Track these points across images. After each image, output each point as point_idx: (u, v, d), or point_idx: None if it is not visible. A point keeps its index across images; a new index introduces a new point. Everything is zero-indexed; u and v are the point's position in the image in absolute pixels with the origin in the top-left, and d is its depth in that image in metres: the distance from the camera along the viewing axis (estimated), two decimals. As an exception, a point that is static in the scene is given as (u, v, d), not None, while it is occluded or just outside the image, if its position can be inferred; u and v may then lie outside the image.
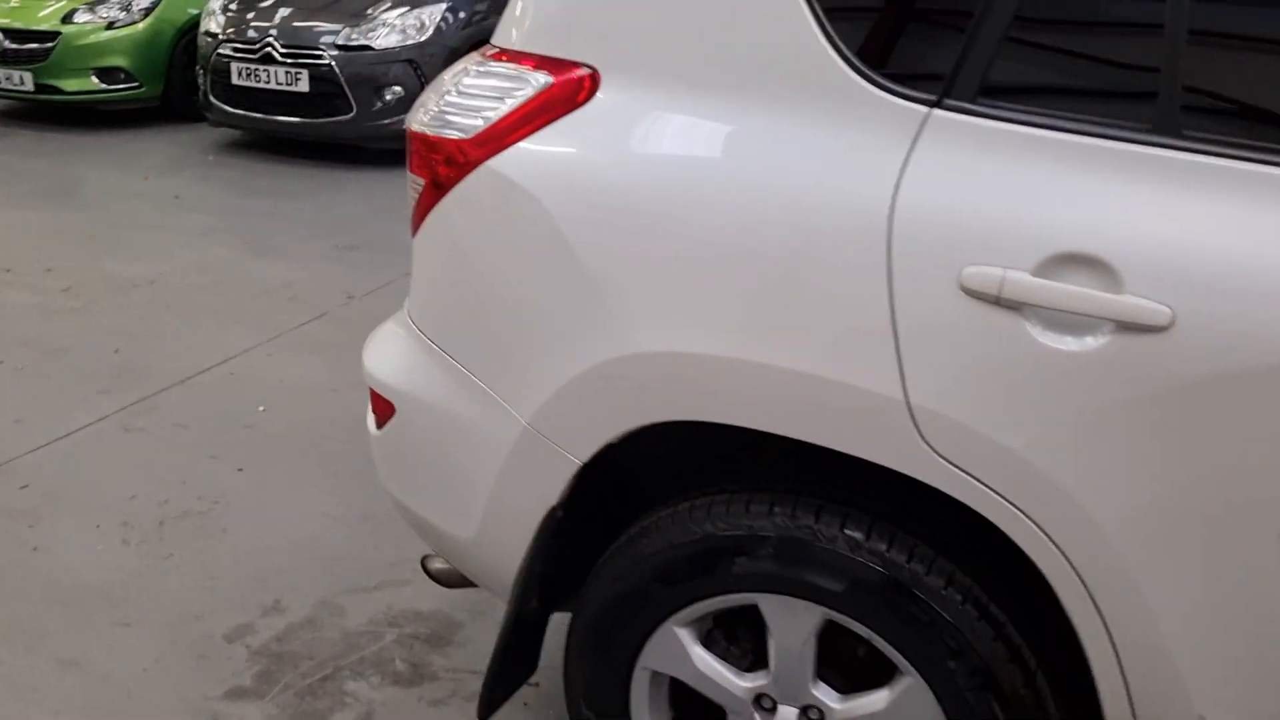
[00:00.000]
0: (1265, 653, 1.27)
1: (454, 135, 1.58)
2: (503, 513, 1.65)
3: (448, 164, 1.59)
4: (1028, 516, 1.32)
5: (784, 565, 1.47)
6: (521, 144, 1.52)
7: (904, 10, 1.44)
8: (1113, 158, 1.26)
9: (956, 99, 1.31)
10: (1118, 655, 1.34)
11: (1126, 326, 1.22)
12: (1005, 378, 1.29)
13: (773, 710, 1.58)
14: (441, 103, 1.61)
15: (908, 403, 1.32)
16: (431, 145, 1.60)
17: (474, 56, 1.66)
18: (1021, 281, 1.26)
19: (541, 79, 1.53)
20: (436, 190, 1.61)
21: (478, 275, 1.62)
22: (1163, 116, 1.25)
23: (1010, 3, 1.30)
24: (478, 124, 1.56)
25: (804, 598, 1.48)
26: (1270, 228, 1.18)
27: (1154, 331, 1.21)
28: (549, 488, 1.59)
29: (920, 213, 1.30)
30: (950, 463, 1.33)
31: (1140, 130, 1.26)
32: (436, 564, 2.00)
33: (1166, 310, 1.20)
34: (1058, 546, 1.32)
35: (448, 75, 1.67)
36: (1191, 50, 1.24)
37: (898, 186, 1.31)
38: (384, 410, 1.78)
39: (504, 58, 1.59)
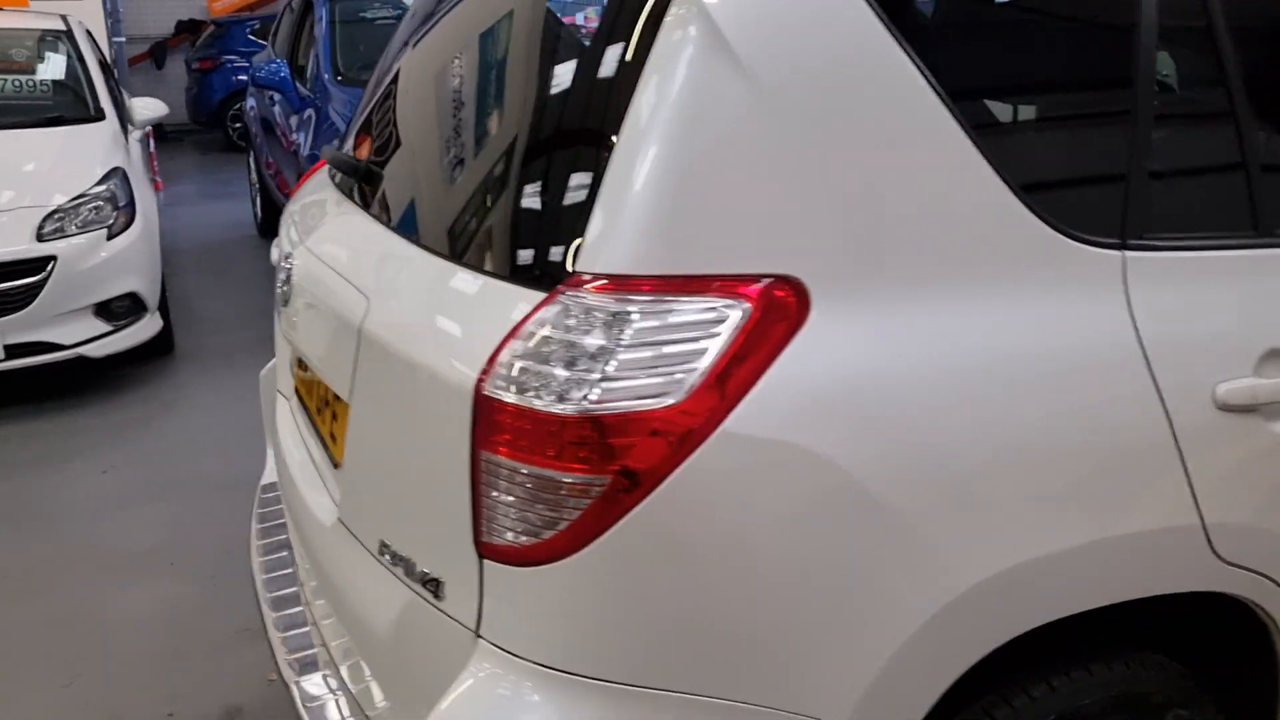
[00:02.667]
0: None
1: (648, 406, 1.20)
2: None
3: (651, 445, 1.21)
4: None
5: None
6: (753, 393, 1.22)
7: (1060, 158, 1.53)
8: (1266, 261, 1.51)
9: (1135, 238, 1.46)
10: None
11: None
12: (1265, 474, 1.50)
13: None
14: (597, 369, 1.22)
15: (1203, 524, 1.47)
16: (605, 428, 1.21)
17: (571, 304, 1.25)
18: (1260, 385, 1.47)
19: (742, 305, 1.24)
20: (631, 490, 1.22)
21: (722, 576, 1.26)
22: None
23: (1149, 147, 1.48)
24: (684, 382, 1.22)
25: None
26: None
27: None
28: None
29: (1166, 346, 1.43)
30: (1239, 566, 1.50)
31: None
32: None
33: None
34: None
35: (573, 335, 1.24)
36: None
37: (1136, 328, 1.42)
38: None
39: (657, 287, 1.24)
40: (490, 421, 1.28)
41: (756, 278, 1.27)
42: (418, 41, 1.96)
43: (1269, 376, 1.49)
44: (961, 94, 1.38)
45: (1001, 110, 1.51)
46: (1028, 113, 1.55)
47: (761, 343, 1.24)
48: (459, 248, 1.52)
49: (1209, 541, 1.48)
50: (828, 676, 1.31)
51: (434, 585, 1.42)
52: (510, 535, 1.30)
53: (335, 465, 1.75)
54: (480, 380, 1.29)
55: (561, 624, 1.29)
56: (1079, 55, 1.56)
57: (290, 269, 1.92)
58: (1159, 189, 1.52)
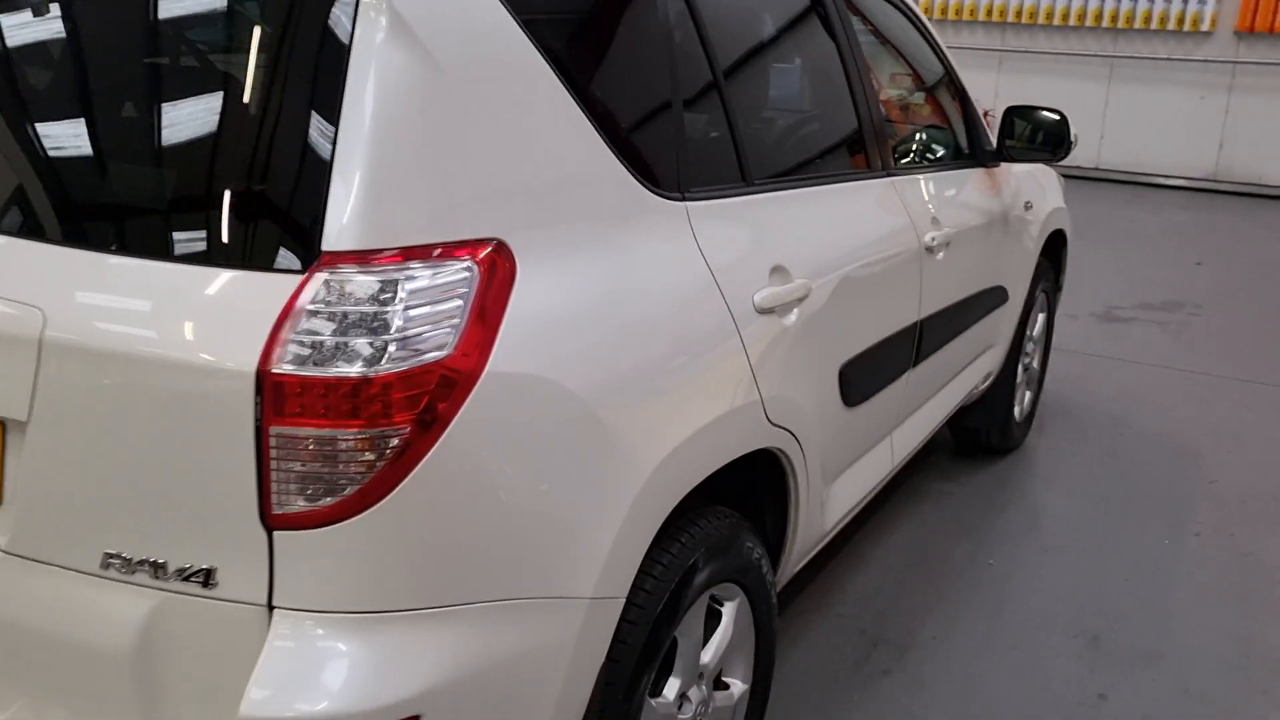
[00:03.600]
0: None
1: (432, 358, 1.40)
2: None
3: (442, 394, 1.40)
4: (798, 441, 2.17)
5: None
6: (500, 337, 1.47)
7: (647, 135, 1.96)
8: (755, 204, 2.16)
9: (688, 192, 1.96)
10: (799, 509, 2.26)
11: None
12: (787, 355, 2.11)
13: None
14: (387, 332, 1.39)
15: (761, 398, 2.02)
16: (404, 382, 1.38)
17: (331, 280, 1.39)
18: (773, 292, 2.06)
19: (469, 265, 1.47)
20: (427, 431, 1.40)
21: (501, 494, 1.50)
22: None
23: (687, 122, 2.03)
24: (450, 336, 1.42)
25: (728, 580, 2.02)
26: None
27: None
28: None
29: (723, 270, 1.95)
30: (779, 426, 2.08)
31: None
32: None
33: (805, 282, 2.16)
34: (802, 450, 2.20)
35: (336, 304, 1.38)
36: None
37: (705, 258, 1.93)
38: None
39: (398, 258, 1.42)
40: (279, 397, 1.36)
41: (477, 243, 1.50)
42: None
43: (777, 285, 2.10)
44: (582, 85, 1.75)
45: (613, 100, 1.89)
46: (625, 102, 1.95)
47: (495, 296, 1.49)
48: (175, 247, 1.50)
49: (765, 410, 2.05)
50: (578, 561, 1.62)
51: (202, 575, 1.43)
52: (303, 502, 1.39)
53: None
54: (263, 362, 1.36)
55: (363, 570, 1.42)
56: (644, 59, 2.00)
57: None
58: (692, 156, 2.03)
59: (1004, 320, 3.76)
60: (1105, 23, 11.25)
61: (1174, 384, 5.21)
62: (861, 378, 2.52)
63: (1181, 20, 10.95)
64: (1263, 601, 3.21)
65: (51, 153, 1.65)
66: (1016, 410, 4.15)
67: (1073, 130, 3.48)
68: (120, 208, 1.60)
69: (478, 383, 1.45)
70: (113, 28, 1.67)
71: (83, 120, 1.63)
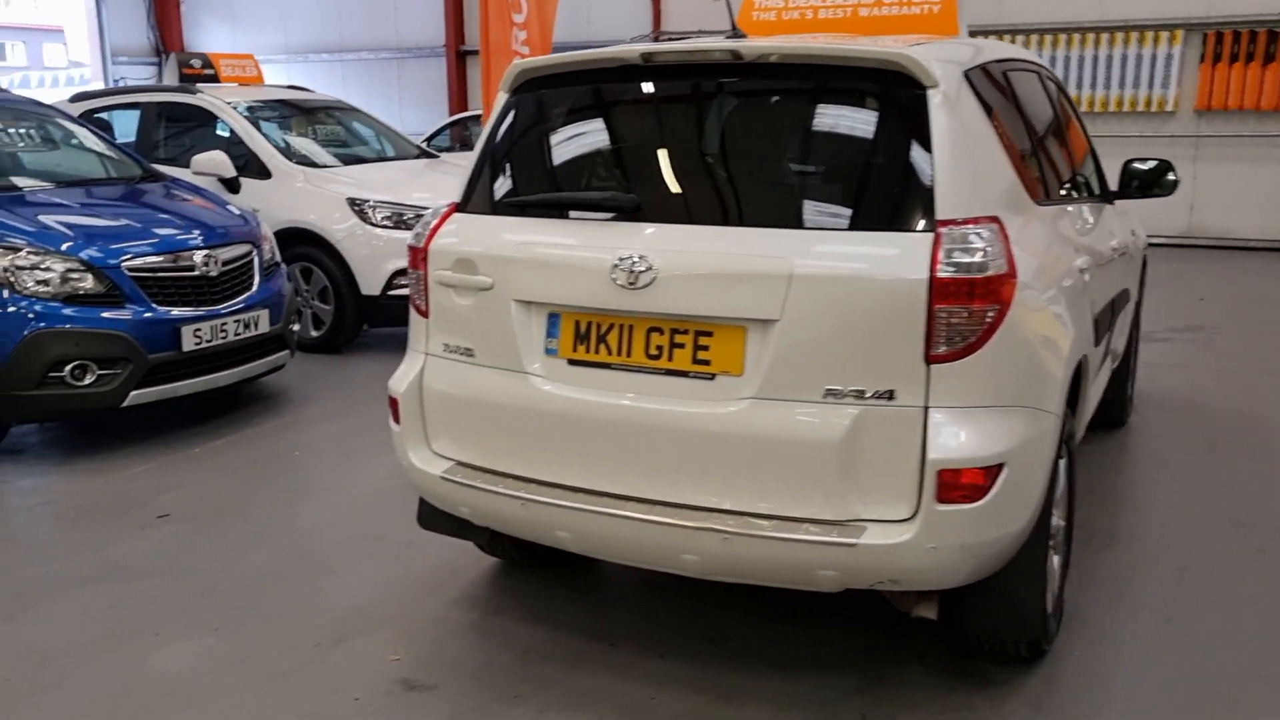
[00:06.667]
0: None
1: (996, 270, 2.66)
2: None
3: (1006, 289, 2.68)
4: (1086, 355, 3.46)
5: None
6: (1015, 260, 2.76)
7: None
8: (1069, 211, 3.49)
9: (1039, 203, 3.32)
10: (1084, 402, 3.58)
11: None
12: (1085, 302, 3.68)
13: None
14: (982, 256, 2.65)
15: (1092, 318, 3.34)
16: (991, 281, 2.65)
17: (945, 234, 2.70)
18: (1081, 261, 3.43)
19: (996, 226, 2.75)
20: (1002, 309, 2.67)
21: (1031, 346, 2.84)
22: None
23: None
24: (1003, 260, 2.69)
25: None
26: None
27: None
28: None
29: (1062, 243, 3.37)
30: None
31: None
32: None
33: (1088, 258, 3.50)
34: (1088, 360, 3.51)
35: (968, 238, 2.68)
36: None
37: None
38: (987, 477, 2.67)
39: (971, 221, 2.70)
40: (940, 290, 2.67)
41: (992, 217, 2.81)
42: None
43: (1080, 258, 3.45)
44: (1007, 144, 3.13)
45: (1020, 152, 3.27)
46: (1023, 154, 3.32)
47: (1006, 242, 2.82)
48: (866, 224, 2.83)
49: (1092, 326, 3.38)
50: (1054, 391, 2.95)
51: (887, 394, 2.71)
52: (945, 347, 2.69)
53: (711, 377, 2.83)
54: (931, 272, 2.67)
55: (974, 383, 2.72)
56: (1023, 129, 3.38)
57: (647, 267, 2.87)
58: (1041, 184, 3.39)
59: (1128, 315, 5.14)
60: (1084, 108, 13.04)
61: (1220, 377, 6.65)
62: (1098, 329, 3.85)
63: (1149, 103, 12.81)
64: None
65: (810, 179, 3.03)
66: (1130, 388, 5.52)
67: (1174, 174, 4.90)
68: (831, 211, 2.93)
69: (1016, 284, 2.75)
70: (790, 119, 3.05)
71: (811, 166, 2.99)
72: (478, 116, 15.21)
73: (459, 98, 17.84)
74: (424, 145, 10.07)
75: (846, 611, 3.51)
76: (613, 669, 3.30)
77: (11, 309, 5.08)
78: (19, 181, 6.02)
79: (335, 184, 7.58)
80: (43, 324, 5.09)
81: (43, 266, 5.18)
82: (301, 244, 7.33)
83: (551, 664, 3.34)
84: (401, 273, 7.24)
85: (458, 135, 15.36)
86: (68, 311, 5.16)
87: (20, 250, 5.18)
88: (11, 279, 5.11)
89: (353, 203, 7.33)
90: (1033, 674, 3.22)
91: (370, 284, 7.28)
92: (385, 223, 7.30)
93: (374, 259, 7.26)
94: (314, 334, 7.49)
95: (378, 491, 4.86)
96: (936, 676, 3.23)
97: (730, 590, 3.15)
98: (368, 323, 7.56)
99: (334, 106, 9.14)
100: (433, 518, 3.53)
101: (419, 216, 7.26)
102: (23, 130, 6.63)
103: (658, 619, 3.61)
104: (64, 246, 5.27)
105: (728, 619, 3.58)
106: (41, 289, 5.14)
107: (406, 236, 7.21)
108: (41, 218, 5.49)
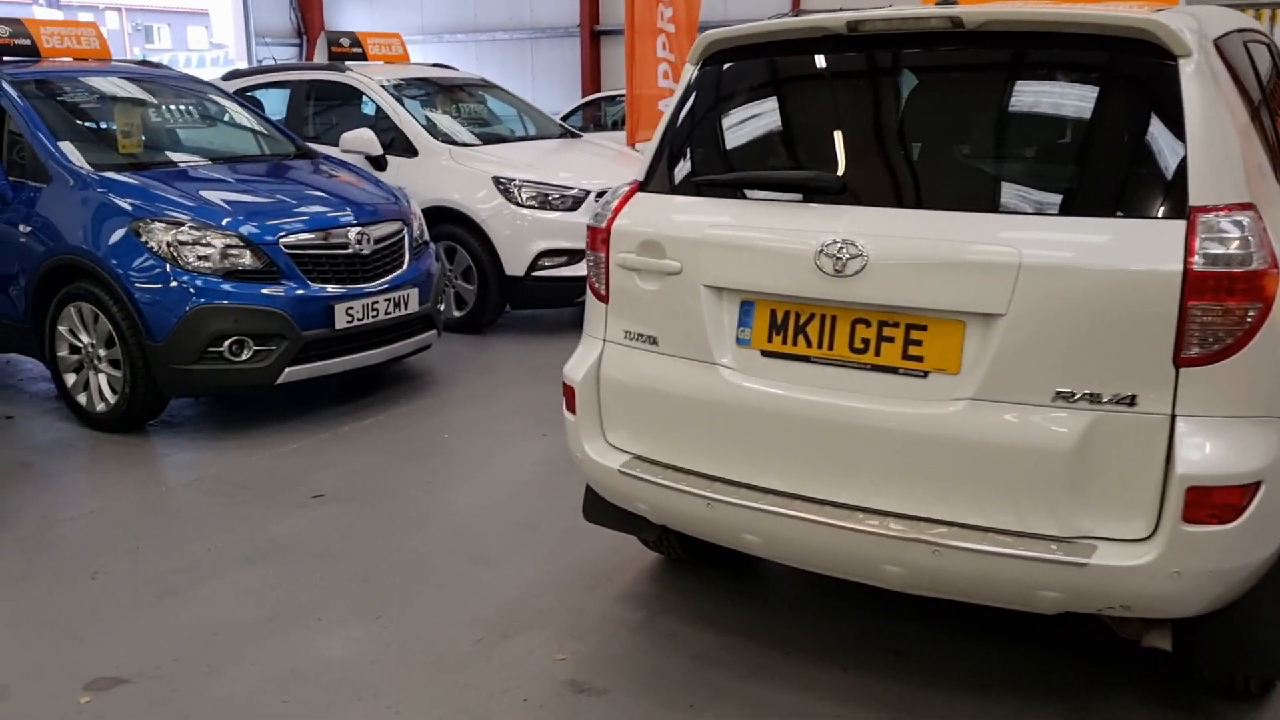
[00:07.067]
0: None
1: (1258, 265, 2.34)
2: None
3: (1270, 286, 2.36)
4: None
5: None
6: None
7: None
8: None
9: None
10: None
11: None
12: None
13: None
14: (1246, 242, 2.35)
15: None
16: (1254, 277, 2.34)
17: (1200, 222, 2.37)
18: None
19: (1254, 214, 2.40)
20: (1264, 307, 2.35)
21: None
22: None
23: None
24: (1264, 252, 2.37)
25: None
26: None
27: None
28: None
29: None
30: None
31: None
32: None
33: None
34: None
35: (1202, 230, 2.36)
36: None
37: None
38: (1243, 496, 2.36)
39: (1226, 209, 2.39)
40: (1197, 285, 2.36)
41: (1247, 204, 2.45)
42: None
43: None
44: (1259, 132, 2.78)
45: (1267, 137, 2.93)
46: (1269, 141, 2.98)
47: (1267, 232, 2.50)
48: (1112, 211, 2.51)
49: None
50: None
51: (1128, 399, 2.42)
52: (1198, 349, 2.38)
53: (923, 374, 2.59)
54: (1186, 263, 2.36)
55: (1228, 392, 2.40)
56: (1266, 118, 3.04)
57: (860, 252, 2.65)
58: (1275, 171, 3.04)
59: None
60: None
61: None
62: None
63: None
64: None
65: (1039, 160, 2.75)
66: None
67: None
68: (1064, 195, 2.63)
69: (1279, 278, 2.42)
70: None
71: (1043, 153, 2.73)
72: (612, 97, 15.12)
73: (592, 78, 17.79)
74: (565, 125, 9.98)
75: (1037, 630, 3.24)
76: (790, 679, 3.10)
77: (174, 284, 5.11)
78: (179, 157, 6.10)
79: (480, 163, 7.50)
80: (204, 299, 5.11)
81: (204, 242, 5.20)
82: (446, 222, 7.27)
83: (725, 671, 3.16)
84: (547, 254, 7.13)
85: (590, 116, 15.29)
86: (227, 287, 5.17)
87: (183, 225, 5.21)
88: (175, 254, 5.14)
89: (498, 181, 7.25)
90: (1265, 710, 2.91)
91: (515, 264, 7.18)
92: (530, 203, 7.19)
93: (519, 239, 7.16)
94: (457, 314, 7.44)
95: (528, 478, 4.75)
96: (1149, 708, 2.94)
97: (905, 599, 2.92)
98: (511, 304, 7.49)
99: (477, 84, 9.08)
100: (599, 510, 3.38)
101: (563, 197, 7.15)
102: (183, 107, 6.72)
103: (833, 627, 3.39)
104: (224, 222, 5.28)
105: (909, 631, 3.35)
106: (202, 264, 5.16)
107: (552, 217, 7.52)
108: (202, 193, 5.51)
